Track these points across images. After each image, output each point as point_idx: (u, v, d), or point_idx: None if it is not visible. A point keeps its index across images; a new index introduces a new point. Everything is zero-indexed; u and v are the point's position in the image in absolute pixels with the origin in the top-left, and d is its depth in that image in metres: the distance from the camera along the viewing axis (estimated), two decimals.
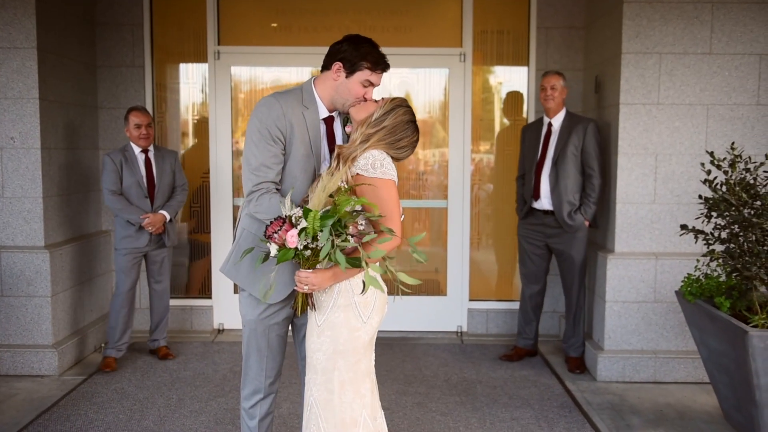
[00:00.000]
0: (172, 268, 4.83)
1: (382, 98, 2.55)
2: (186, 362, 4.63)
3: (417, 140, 2.54)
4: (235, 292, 5.32)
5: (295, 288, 2.41)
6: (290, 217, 2.28)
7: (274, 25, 5.30)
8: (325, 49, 2.62)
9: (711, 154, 3.44)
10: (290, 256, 2.27)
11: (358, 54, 2.53)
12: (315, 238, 2.25)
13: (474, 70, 5.25)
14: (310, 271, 2.33)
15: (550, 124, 4.52)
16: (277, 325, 2.66)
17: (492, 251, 5.48)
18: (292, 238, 2.24)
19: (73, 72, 4.77)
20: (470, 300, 5.36)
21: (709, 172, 3.50)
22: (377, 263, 2.34)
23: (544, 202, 4.49)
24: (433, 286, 5.46)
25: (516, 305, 5.04)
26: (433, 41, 5.25)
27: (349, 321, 2.39)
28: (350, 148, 2.44)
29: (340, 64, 2.54)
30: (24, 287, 4.34)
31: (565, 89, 4.50)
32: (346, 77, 2.54)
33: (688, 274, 3.72)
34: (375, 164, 2.37)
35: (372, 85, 2.57)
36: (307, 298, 2.42)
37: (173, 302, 5.35)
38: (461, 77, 5.21)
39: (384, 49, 2.61)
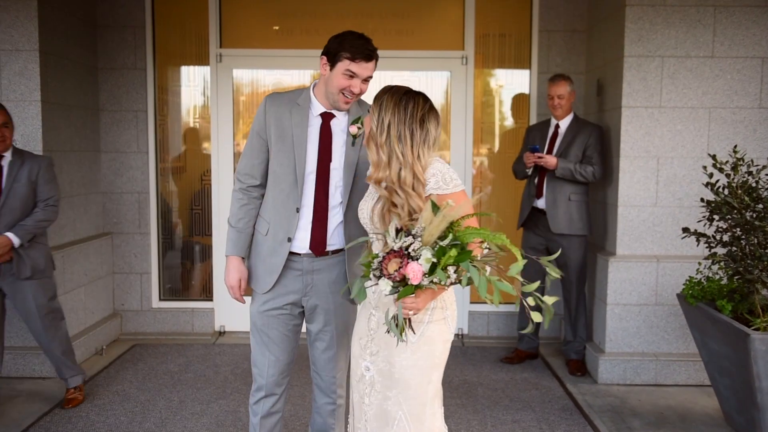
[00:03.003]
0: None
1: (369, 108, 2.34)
2: (187, 364, 4.63)
3: (427, 100, 2.24)
4: None
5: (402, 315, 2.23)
6: (406, 249, 2.06)
7: (276, 28, 5.31)
8: None
9: (713, 157, 3.44)
10: (411, 291, 2.09)
11: (338, 45, 2.48)
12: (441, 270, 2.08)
13: (476, 74, 5.25)
14: (413, 295, 2.17)
15: (557, 126, 4.53)
16: (276, 320, 2.66)
17: None
18: (415, 275, 2.03)
19: (75, 74, 4.78)
20: (471, 303, 5.35)
21: (711, 175, 3.50)
22: (488, 269, 2.26)
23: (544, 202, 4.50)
24: None
25: (516, 308, 5.02)
26: (435, 44, 5.25)
27: (443, 334, 2.39)
28: (396, 185, 2.19)
29: (325, 58, 2.53)
30: None
31: (573, 93, 4.50)
32: (330, 70, 2.51)
33: (689, 276, 3.72)
34: (445, 178, 2.22)
35: (355, 75, 2.46)
36: (407, 321, 2.25)
37: (173, 304, 5.36)
38: (463, 80, 5.21)
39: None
